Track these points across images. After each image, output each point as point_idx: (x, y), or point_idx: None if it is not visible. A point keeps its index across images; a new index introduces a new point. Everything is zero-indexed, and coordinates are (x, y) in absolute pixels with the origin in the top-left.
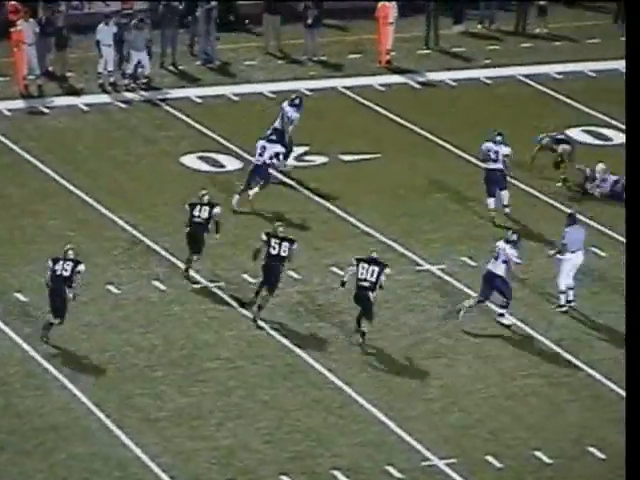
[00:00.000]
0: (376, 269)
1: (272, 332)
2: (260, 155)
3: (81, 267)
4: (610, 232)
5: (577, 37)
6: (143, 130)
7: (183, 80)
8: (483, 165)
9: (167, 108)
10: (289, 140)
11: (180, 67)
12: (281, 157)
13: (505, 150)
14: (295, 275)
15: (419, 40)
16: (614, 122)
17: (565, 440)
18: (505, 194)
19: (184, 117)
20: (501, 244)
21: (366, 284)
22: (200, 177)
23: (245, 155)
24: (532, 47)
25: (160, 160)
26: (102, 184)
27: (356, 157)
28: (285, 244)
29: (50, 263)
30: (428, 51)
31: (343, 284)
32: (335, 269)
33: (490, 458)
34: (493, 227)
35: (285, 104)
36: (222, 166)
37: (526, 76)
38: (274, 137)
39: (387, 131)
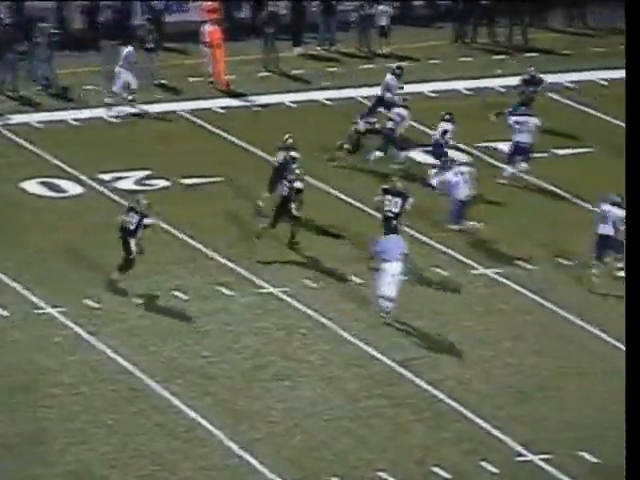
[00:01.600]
0: (399, 200)
1: (115, 356)
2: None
3: (147, 221)
4: (450, 251)
5: (418, 57)
6: None
7: (23, 105)
8: None
9: (7, 134)
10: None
11: (20, 92)
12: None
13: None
14: (137, 300)
15: (259, 63)
16: (455, 143)
17: (409, 460)
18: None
19: (24, 142)
20: (607, 207)
21: (390, 214)
22: (41, 202)
23: (86, 180)
24: (372, 68)
25: (0, 186)
26: None
27: (198, 180)
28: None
29: (124, 211)
30: (268, 73)
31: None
32: (178, 293)
33: None
34: (338, 251)
35: (388, 75)
36: (63, 191)
37: (366, 97)
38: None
39: (228, 154)
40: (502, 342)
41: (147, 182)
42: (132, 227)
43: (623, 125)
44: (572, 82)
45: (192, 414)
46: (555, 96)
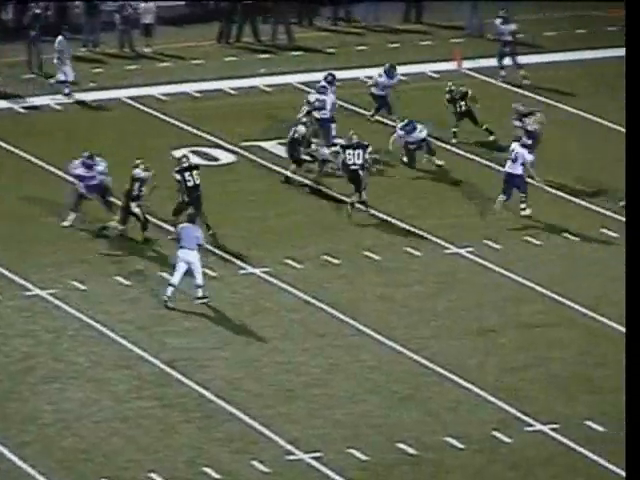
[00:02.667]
0: (360, 152)
1: None
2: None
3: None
4: (218, 251)
5: (182, 57)
6: None
7: None
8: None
9: None
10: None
11: None
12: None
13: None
14: None
15: (24, 65)
16: (220, 142)
17: (180, 461)
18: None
19: None
20: (517, 148)
21: (355, 167)
22: None
23: None
24: (137, 69)
25: None
26: None
27: None
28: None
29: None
30: (32, 75)
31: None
32: None
33: None
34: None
35: (378, 75)
36: None
37: (132, 98)
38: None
39: None
40: (271, 341)
41: None
42: (135, 192)
43: (384, 121)
44: (337, 80)
45: None
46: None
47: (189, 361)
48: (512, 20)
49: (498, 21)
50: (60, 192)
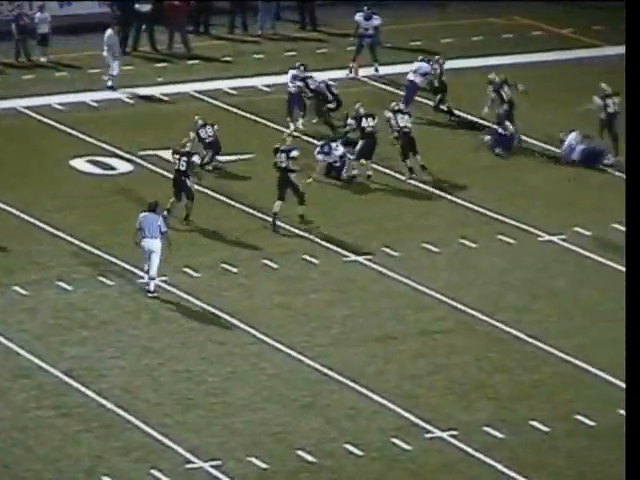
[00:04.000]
0: (407, 116)
1: None
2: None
3: (195, 158)
4: (116, 260)
5: (79, 66)
6: None
7: None
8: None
9: None
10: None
11: None
12: None
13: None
14: None
15: None
16: (117, 151)
17: (79, 470)
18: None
19: None
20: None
21: (407, 129)
22: None
23: None
24: (33, 78)
25: None
26: None
27: None
28: (184, 158)
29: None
30: None
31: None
32: None
33: None
34: (2, 262)
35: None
36: None
37: (28, 107)
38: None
39: None
40: (169, 349)
41: None
42: (183, 167)
43: (281, 129)
44: (233, 88)
45: None
46: (216, 102)
47: (87, 370)
48: (375, 16)
49: (359, 16)
50: None
